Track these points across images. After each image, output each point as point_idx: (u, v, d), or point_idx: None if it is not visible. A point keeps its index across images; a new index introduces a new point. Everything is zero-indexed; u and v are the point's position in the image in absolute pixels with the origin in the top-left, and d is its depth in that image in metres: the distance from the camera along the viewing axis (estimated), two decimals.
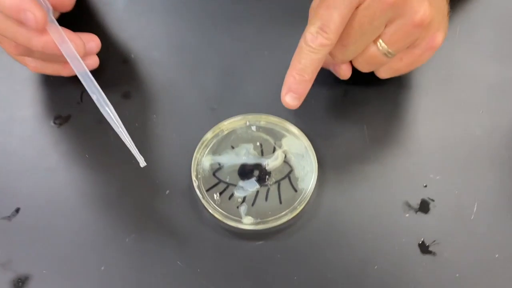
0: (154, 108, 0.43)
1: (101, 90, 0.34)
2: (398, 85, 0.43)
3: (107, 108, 0.35)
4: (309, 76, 0.35)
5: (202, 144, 0.40)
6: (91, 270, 0.36)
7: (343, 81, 0.42)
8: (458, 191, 0.38)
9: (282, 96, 0.35)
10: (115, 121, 0.35)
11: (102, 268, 0.36)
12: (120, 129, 0.35)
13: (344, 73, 0.40)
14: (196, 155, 0.39)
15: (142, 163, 0.36)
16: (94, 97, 0.35)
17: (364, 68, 0.39)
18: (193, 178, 0.38)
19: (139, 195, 0.39)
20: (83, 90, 0.36)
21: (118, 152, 0.38)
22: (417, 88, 0.43)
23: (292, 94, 0.35)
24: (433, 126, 0.41)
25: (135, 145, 0.36)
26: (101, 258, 0.36)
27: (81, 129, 0.42)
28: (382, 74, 0.40)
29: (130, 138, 0.35)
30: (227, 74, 0.44)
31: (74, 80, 0.36)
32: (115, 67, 0.44)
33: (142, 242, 0.37)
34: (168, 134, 0.41)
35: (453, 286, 0.35)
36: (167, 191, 0.38)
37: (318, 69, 0.35)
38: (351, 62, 0.39)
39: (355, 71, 0.40)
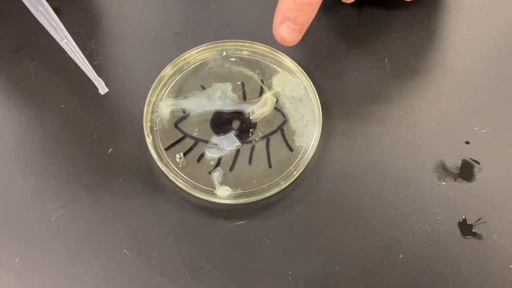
0: (92, 31, 0.36)
1: None
2: (431, 3, 0.37)
3: (40, 8, 0.28)
4: None
5: (159, 82, 0.33)
6: (2, 262, 0.29)
7: None
8: None
9: (274, 27, 0.29)
10: (55, 26, 0.28)
11: (17, 259, 0.29)
12: (63, 38, 0.28)
13: None
14: (150, 98, 0.33)
15: (103, 89, 0.30)
16: None
17: None
18: (146, 131, 0.32)
19: (70, 155, 0.32)
20: None
21: (41, 93, 0.33)
22: (456, 7, 0.37)
23: (290, 25, 0.29)
24: (479, 59, 0.36)
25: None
26: (15, 245, 0.30)
27: None
28: None
29: (79, 51, 0.29)
30: None
31: None
32: None
33: (74, 222, 0.30)
34: (112, 67, 0.35)
35: (506, 280, 0.29)
36: (110, 150, 0.32)
37: None
38: None
39: None
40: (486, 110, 0.33)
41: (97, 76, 0.30)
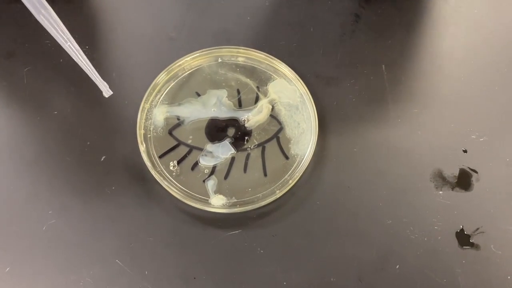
0: (87, 36, 0.35)
1: None
2: (429, 9, 0.37)
3: (44, 12, 0.27)
4: None
5: (153, 89, 0.33)
6: None
7: (353, 1, 0.36)
8: (510, 159, 0.32)
9: None
10: (58, 30, 0.27)
11: (7, 269, 0.29)
12: (67, 41, 0.28)
13: None
14: (144, 105, 0.32)
15: (107, 92, 0.29)
16: None
17: None
18: (140, 138, 0.31)
19: (62, 162, 0.32)
20: None
21: (33, 100, 0.33)
22: (454, 14, 0.37)
23: None
24: (477, 67, 0.35)
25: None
26: (5, 254, 0.29)
27: None
28: None
29: (83, 54, 0.28)
30: None
31: None
32: None
33: (66, 232, 0.30)
34: (106, 73, 0.33)
35: None
36: (103, 157, 0.32)
37: None
38: None
39: None
40: (484, 118, 0.33)
41: (101, 79, 0.29)
